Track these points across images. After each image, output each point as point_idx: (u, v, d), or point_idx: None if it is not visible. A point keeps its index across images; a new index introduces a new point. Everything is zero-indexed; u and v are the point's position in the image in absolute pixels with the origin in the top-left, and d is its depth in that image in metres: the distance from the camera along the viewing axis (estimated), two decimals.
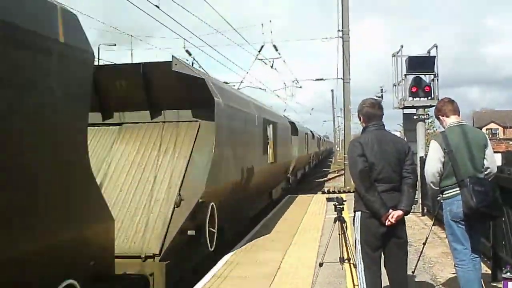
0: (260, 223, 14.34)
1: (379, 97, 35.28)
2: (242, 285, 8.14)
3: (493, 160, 6.29)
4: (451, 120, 6.35)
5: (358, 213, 5.97)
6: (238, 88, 24.68)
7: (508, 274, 6.39)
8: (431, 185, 6.29)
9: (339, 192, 24.67)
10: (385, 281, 6.09)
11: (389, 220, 5.74)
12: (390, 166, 5.83)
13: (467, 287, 6.11)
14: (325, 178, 45.12)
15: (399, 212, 5.79)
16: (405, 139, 15.25)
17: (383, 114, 6.20)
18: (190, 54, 23.06)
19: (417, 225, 12.60)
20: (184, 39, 22.99)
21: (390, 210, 5.76)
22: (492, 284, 7.29)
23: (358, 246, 5.98)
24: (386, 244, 5.96)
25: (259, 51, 28.42)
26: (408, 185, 5.91)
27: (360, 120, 6.24)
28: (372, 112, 6.09)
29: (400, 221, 5.88)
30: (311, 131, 47.06)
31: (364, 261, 5.92)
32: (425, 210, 14.10)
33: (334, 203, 7.03)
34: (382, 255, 6.02)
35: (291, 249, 10.72)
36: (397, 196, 5.86)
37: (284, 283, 8.12)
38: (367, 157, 5.79)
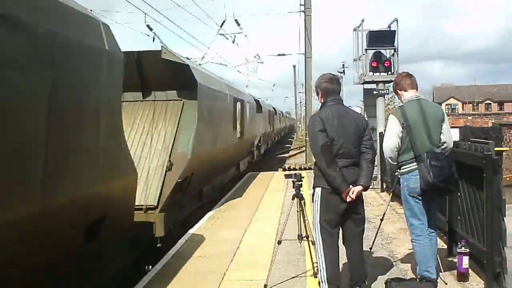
0: (221, 201, 14.28)
1: (340, 72, 35.42)
2: (203, 264, 8.06)
3: (450, 135, 6.30)
4: (409, 94, 6.33)
5: (318, 189, 5.94)
6: (200, 64, 24.35)
7: (463, 248, 6.47)
8: (389, 160, 6.28)
9: (300, 169, 24.73)
10: (342, 257, 6.10)
11: (349, 196, 5.73)
12: (350, 141, 5.82)
13: (423, 262, 6.15)
14: (287, 155, 45.26)
15: (359, 188, 5.81)
16: (365, 115, 15.33)
17: (340, 89, 6.17)
18: (151, 29, 22.56)
19: (376, 201, 12.69)
20: (145, 13, 22.47)
21: (350, 186, 5.75)
22: (447, 258, 7.35)
23: (317, 223, 5.94)
24: (344, 220, 5.96)
25: (221, 26, 28.04)
26: (366, 160, 5.93)
27: (318, 95, 6.19)
28: (330, 87, 6.04)
29: (359, 197, 5.89)
30: (274, 108, 47.68)
31: (323, 238, 5.91)
32: (384, 186, 14.20)
33: (292, 179, 6.94)
34: (340, 231, 6.02)
35: (251, 226, 10.68)
36: (357, 171, 5.87)
37: (244, 261, 8.07)
38: (328, 132, 5.74)
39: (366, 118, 8.40)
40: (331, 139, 5.74)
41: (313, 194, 6.04)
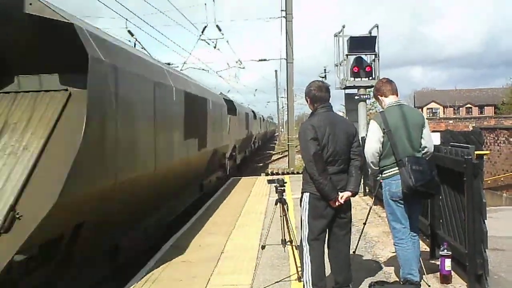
0: (203, 207, 14.21)
1: (322, 77, 35.57)
2: (186, 270, 8.05)
3: (430, 140, 6.38)
4: (390, 100, 6.40)
5: (307, 194, 5.99)
6: (181, 70, 24.26)
7: (445, 251, 6.53)
8: (371, 165, 6.34)
9: (283, 173, 24.75)
10: (327, 260, 6.14)
11: (338, 201, 5.84)
12: (341, 148, 5.92)
13: (406, 265, 6.20)
14: (269, 160, 45.30)
15: (348, 193, 5.93)
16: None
17: (329, 97, 6.22)
18: (132, 35, 22.52)
19: (359, 205, 12.74)
20: (126, 19, 22.43)
21: (339, 193, 5.83)
22: (430, 261, 7.42)
23: (305, 227, 5.98)
24: (331, 224, 6.03)
25: (202, 32, 28.03)
26: (355, 167, 6.04)
27: (307, 102, 6.23)
28: (319, 95, 6.11)
29: (346, 202, 5.98)
30: (253, 111, 44.16)
31: (310, 242, 5.96)
32: (367, 190, 14.27)
33: (275, 184, 6.97)
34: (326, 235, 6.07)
35: (235, 232, 10.67)
36: (345, 177, 5.97)
37: (228, 267, 8.06)
38: (319, 140, 5.81)
39: None
40: (323, 147, 5.81)
41: (301, 199, 6.07)
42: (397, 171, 6.08)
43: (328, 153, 5.84)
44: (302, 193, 6.07)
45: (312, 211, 5.95)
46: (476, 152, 6.29)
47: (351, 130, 6.09)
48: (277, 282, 7.08)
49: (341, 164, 5.93)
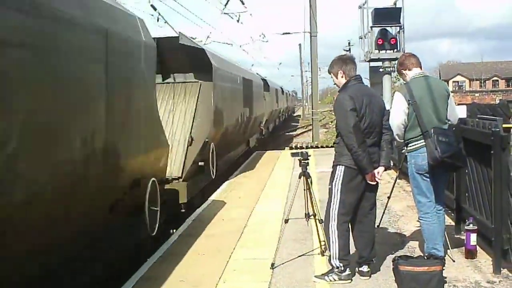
0: (228, 180, 14.29)
1: (347, 50, 35.26)
2: (210, 243, 8.09)
3: (455, 112, 6.29)
4: (414, 72, 6.29)
5: (341, 167, 5.92)
6: (205, 44, 24.19)
7: (471, 226, 6.45)
8: (396, 137, 6.25)
9: (307, 147, 24.69)
10: (351, 234, 6.12)
11: (376, 178, 5.85)
12: (375, 120, 5.87)
13: (431, 240, 6.14)
14: (294, 134, 45.25)
15: (382, 169, 5.92)
16: None
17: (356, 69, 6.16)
18: (155, 9, 22.41)
19: (383, 179, 12.63)
20: None
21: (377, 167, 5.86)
22: (455, 236, 7.35)
23: (336, 201, 5.94)
24: (359, 199, 5.99)
25: (225, 5, 27.83)
26: (386, 141, 6.01)
27: (335, 76, 6.13)
28: (350, 67, 6.05)
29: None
30: (281, 87, 47.95)
31: (339, 216, 5.92)
32: (392, 164, 14.15)
33: (299, 158, 6.90)
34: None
35: (258, 205, 10.69)
36: (377, 151, 5.93)
37: (251, 240, 8.08)
38: (357, 111, 5.75)
39: None
40: (360, 118, 5.75)
41: (334, 171, 6.01)
42: (423, 143, 5.97)
43: (365, 124, 5.78)
44: (336, 166, 5.98)
45: (346, 184, 5.89)
46: (504, 125, 6.15)
47: (382, 103, 6.08)
48: (300, 256, 7.07)
49: (375, 136, 5.88)
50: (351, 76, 6.01)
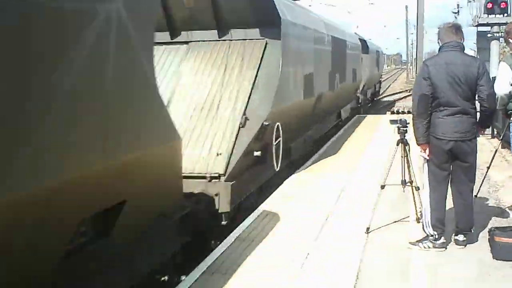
0: (327, 144, 14.40)
1: (455, 13, 33.91)
2: (305, 205, 8.30)
3: None
4: None
5: (431, 137, 5.94)
6: (309, 6, 24.11)
7: None
8: (500, 107, 6.16)
9: (409, 112, 24.24)
10: (450, 203, 6.15)
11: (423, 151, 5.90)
12: (456, 89, 5.72)
13: None
14: (397, 97, 44.37)
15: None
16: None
17: (460, 37, 5.96)
18: None
19: (485, 147, 12.34)
20: None
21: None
22: None
23: (426, 169, 6.01)
24: (454, 168, 5.99)
25: None
26: (482, 112, 5.93)
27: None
28: (446, 32, 5.97)
29: (469, 145, 5.88)
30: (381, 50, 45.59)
31: (431, 183, 5.98)
32: (495, 132, 13.75)
33: (397, 125, 6.94)
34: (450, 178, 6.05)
35: (356, 170, 10.78)
36: (465, 119, 5.79)
37: (347, 205, 8.23)
38: (432, 80, 5.70)
39: None
40: (435, 87, 5.72)
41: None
42: None
43: (441, 94, 5.71)
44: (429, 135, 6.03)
45: (433, 151, 5.92)
46: None
47: (472, 70, 5.73)
48: (396, 222, 7.16)
49: (457, 105, 5.72)
50: (444, 42, 5.94)
